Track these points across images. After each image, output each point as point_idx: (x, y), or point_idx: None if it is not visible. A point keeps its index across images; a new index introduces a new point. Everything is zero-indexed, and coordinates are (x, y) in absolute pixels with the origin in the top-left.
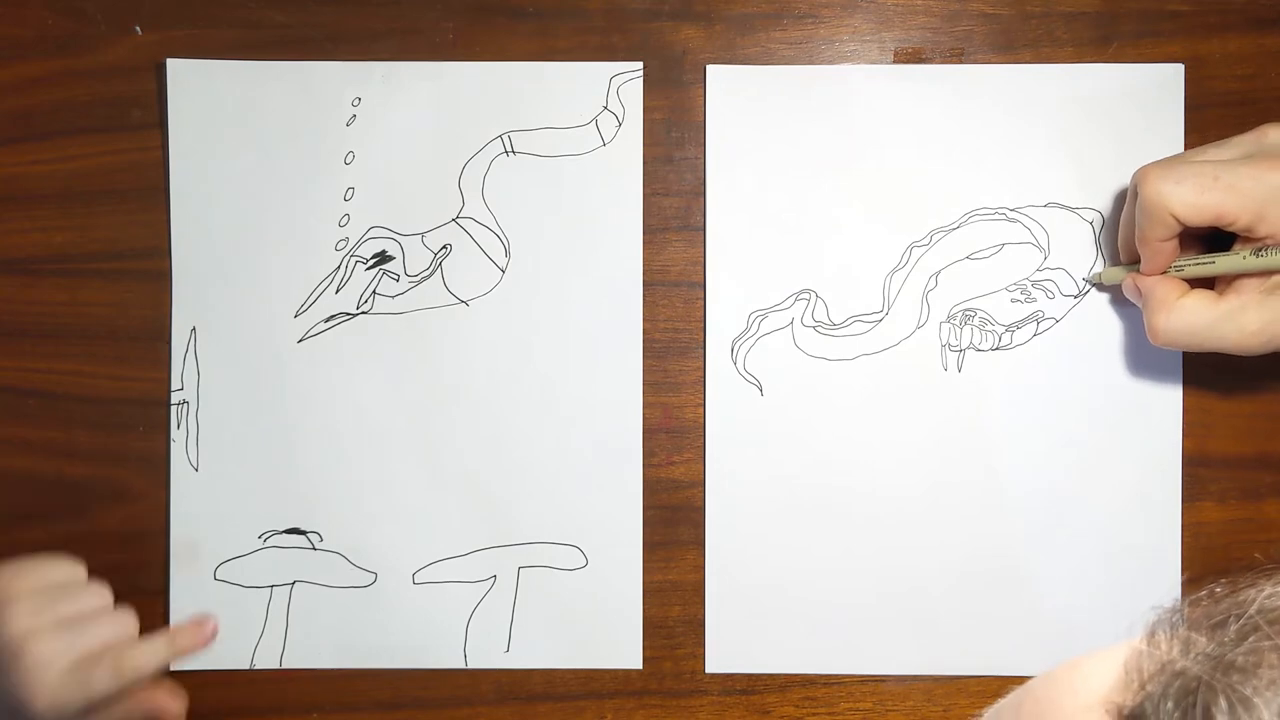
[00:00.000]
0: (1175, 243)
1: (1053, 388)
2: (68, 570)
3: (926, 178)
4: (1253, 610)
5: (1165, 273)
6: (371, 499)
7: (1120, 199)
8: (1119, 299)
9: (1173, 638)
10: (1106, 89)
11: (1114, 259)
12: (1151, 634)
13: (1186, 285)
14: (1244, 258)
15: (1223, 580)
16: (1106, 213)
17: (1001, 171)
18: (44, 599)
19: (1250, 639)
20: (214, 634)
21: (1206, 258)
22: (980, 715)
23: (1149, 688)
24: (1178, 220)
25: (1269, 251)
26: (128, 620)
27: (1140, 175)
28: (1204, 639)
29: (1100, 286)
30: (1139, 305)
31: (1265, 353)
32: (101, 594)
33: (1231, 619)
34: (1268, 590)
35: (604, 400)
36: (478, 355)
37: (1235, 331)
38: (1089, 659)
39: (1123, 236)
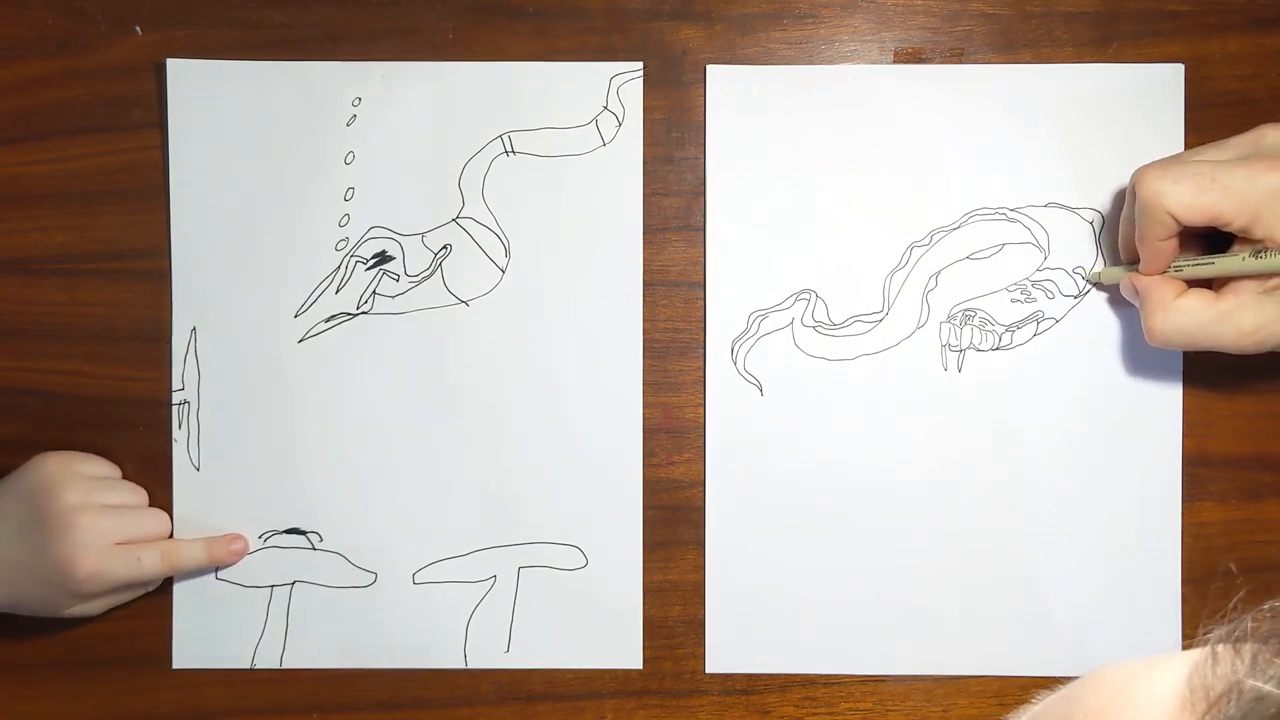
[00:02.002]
0: (1174, 242)
1: (1053, 388)
2: (109, 467)
3: (926, 178)
4: None
5: (1164, 273)
6: (372, 499)
7: (1120, 199)
8: (1119, 299)
9: (1238, 655)
10: (1106, 89)
11: (1114, 259)
12: (1214, 649)
13: (1184, 285)
14: (1243, 259)
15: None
16: (1106, 213)
17: (1001, 171)
18: (92, 484)
19: None
20: (242, 553)
21: (1205, 259)
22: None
23: (1221, 708)
24: (1175, 219)
25: (1268, 254)
26: (164, 518)
27: (1138, 175)
28: (1275, 658)
29: (1099, 286)
30: (1136, 305)
31: (1261, 352)
32: (139, 492)
33: None
34: None
35: (604, 400)
36: (478, 355)
37: (1232, 331)
38: (1144, 669)
39: (1122, 236)
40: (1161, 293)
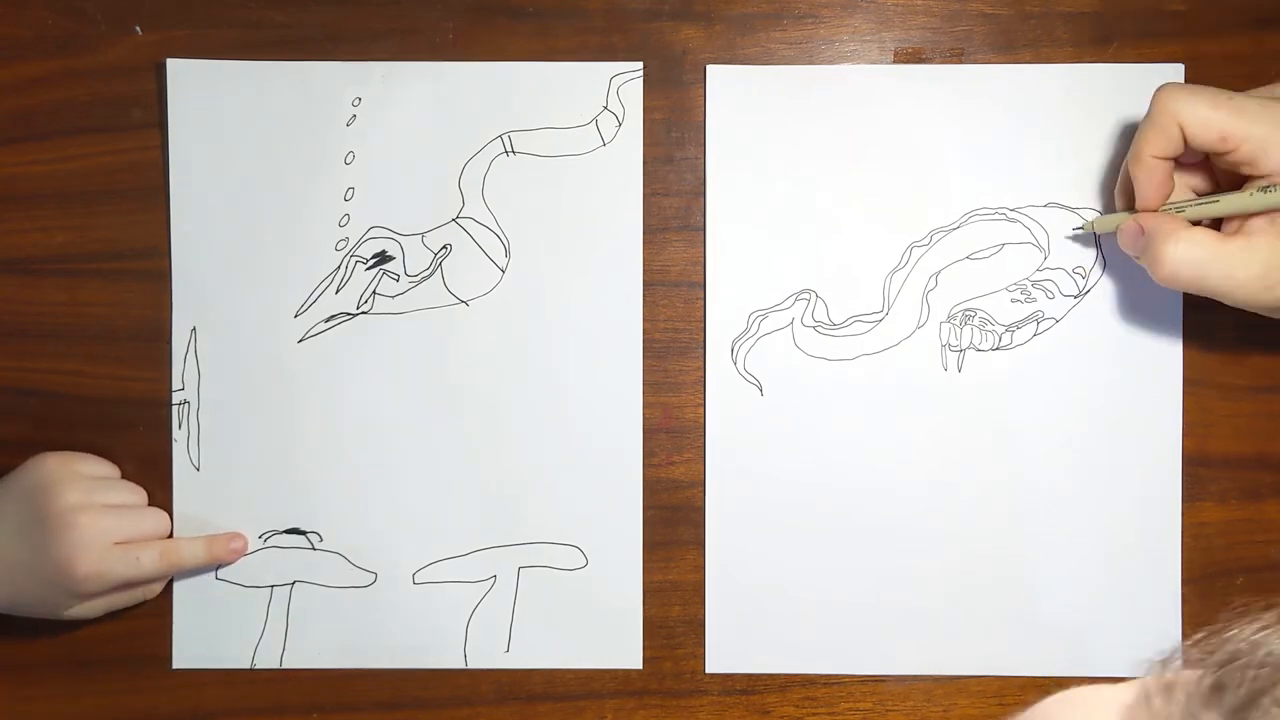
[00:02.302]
0: (1169, 169)
1: (1053, 388)
2: (109, 467)
3: (926, 178)
4: (1253, 665)
5: (1163, 211)
6: (371, 499)
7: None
8: (1119, 299)
9: (1170, 699)
10: (1106, 89)
11: (1112, 255)
12: (1146, 692)
13: (1190, 224)
14: (1251, 194)
15: (1218, 623)
16: (1107, 212)
17: (1001, 171)
18: (91, 484)
19: (1259, 705)
20: (242, 551)
21: (1210, 197)
22: None
23: None
24: (1183, 132)
25: (1277, 189)
26: (164, 518)
27: (1157, 90)
28: (1204, 706)
29: (1091, 239)
30: (1134, 253)
31: (1266, 305)
32: (139, 492)
33: (1233, 676)
34: (1263, 638)
35: (604, 400)
36: (478, 355)
37: (1242, 269)
38: (1080, 711)
39: (1121, 177)
40: (1172, 224)
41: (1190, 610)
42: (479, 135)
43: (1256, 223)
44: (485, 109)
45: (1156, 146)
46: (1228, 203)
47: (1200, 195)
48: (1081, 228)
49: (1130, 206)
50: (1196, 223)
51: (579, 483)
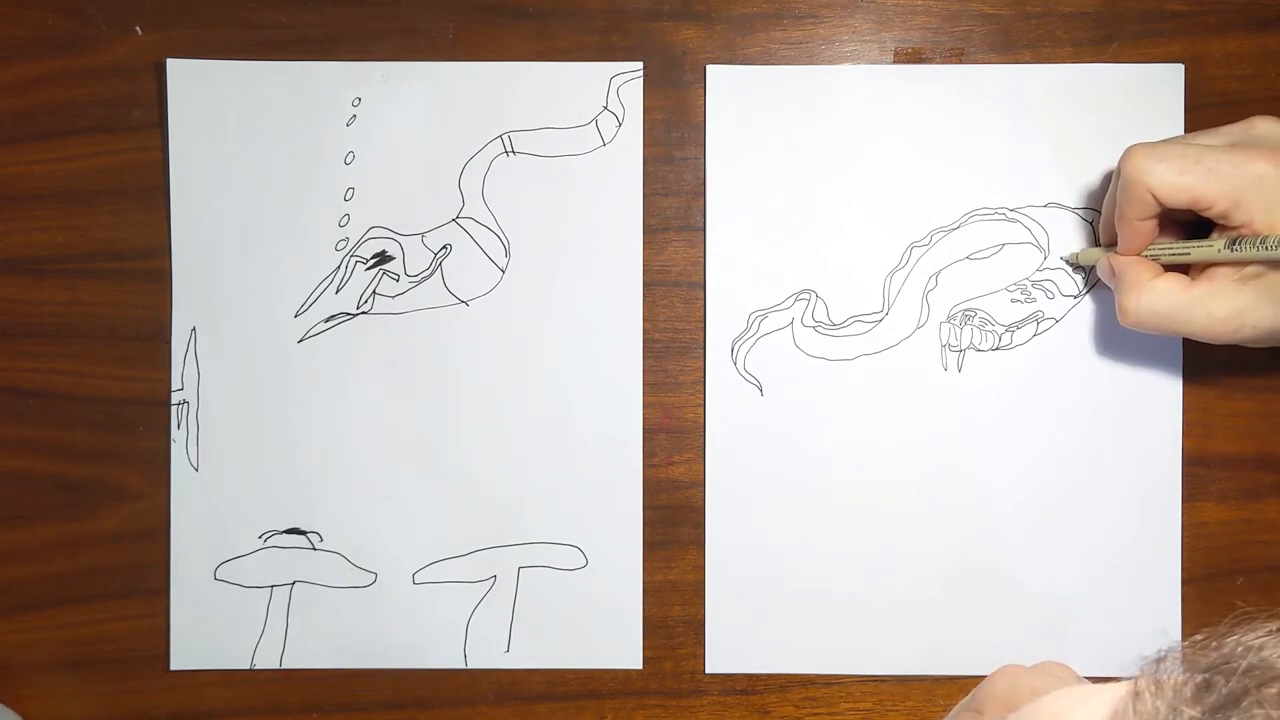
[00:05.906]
0: (1153, 224)
1: (1053, 388)
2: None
3: (926, 178)
4: (1241, 668)
5: (1141, 255)
6: (371, 499)
7: None
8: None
9: (1159, 696)
10: (1106, 89)
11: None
12: (1137, 690)
13: (1160, 268)
14: (1219, 250)
15: (1220, 626)
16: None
17: (1001, 171)
18: None
19: (1241, 705)
20: None
21: (1182, 247)
22: None
23: None
24: (1155, 199)
25: (1242, 244)
26: None
27: (1125, 153)
28: (1189, 704)
29: (1077, 267)
30: (1112, 287)
31: (1233, 342)
32: None
33: (1220, 677)
34: (1259, 643)
35: (604, 400)
36: (478, 355)
37: (1204, 317)
38: (1075, 708)
39: (1104, 217)
40: (1137, 273)
41: (1190, 610)
42: (479, 135)
43: (1220, 269)
44: (485, 109)
45: (1134, 211)
46: (1197, 254)
47: (1184, 230)
48: (1069, 259)
49: (1110, 241)
50: (1171, 264)
51: (579, 483)
